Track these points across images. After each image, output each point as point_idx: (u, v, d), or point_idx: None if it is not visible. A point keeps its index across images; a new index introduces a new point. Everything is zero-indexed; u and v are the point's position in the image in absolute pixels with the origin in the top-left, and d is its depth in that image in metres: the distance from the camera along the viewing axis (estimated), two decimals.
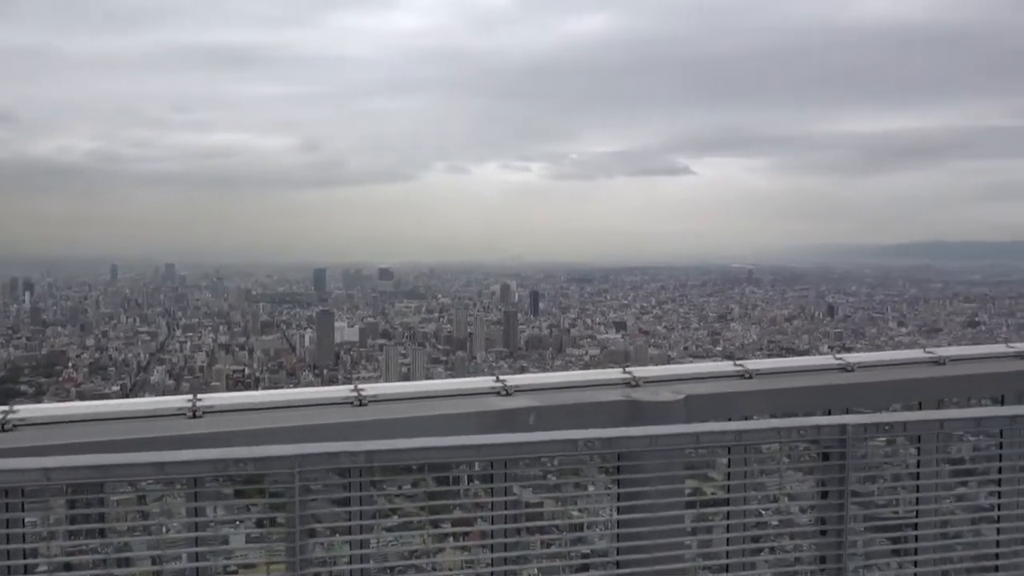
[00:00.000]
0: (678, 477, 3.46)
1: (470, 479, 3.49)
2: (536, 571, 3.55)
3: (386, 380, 39.66)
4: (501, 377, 3.83)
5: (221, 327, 56.08)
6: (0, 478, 2.69)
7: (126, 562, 2.92)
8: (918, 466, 3.65)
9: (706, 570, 3.72)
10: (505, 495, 3.14)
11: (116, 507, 3.12)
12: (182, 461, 2.78)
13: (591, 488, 3.53)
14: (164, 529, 3.12)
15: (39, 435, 3.16)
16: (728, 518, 3.45)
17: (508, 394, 3.71)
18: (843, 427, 3.29)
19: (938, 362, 4.54)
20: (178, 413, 3.35)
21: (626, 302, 63.16)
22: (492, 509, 3.15)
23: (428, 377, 42.11)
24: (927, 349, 4.69)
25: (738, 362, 4.27)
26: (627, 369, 4.05)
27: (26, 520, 2.80)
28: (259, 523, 3.10)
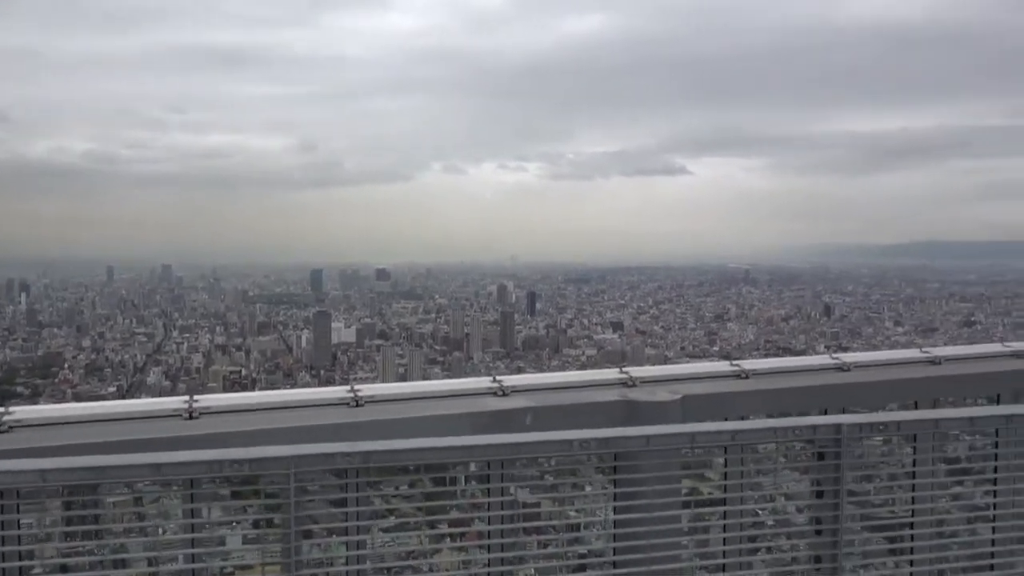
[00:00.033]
0: (674, 477, 3.46)
1: (467, 479, 3.50)
2: (533, 571, 3.55)
3: (383, 381, 39.60)
4: (498, 378, 3.84)
5: (218, 328, 55.95)
6: None
7: (122, 563, 2.91)
8: (914, 465, 3.65)
9: (703, 570, 3.72)
10: (502, 495, 3.14)
11: (112, 508, 3.11)
12: (178, 462, 2.78)
13: (588, 488, 3.53)
14: (161, 531, 3.11)
15: (35, 436, 3.15)
16: (725, 518, 3.45)
17: (505, 394, 3.71)
18: (838, 427, 3.29)
19: (934, 362, 4.55)
20: (174, 414, 3.34)
21: (623, 302, 63.18)
22: (489, 509, 3.15)
23: (425, 378, 42.09)
24: (923, 349, 4.71)
25: (734, 362, 4.28)
26: (624, 369, 4.06)
27: (22, 522, 2.79)
28: (255, 524, 3.10)
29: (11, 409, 3.26)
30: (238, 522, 3.11)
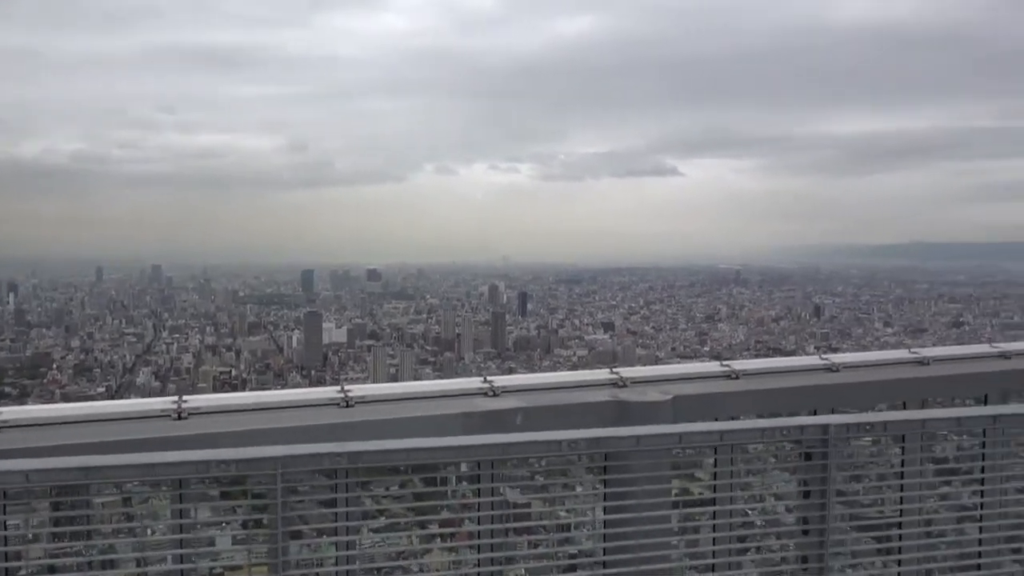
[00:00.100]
0: (664, 477, 3.47)
1: (458, 480, 3.49)
2: (523, 571, 3.55)
3: (374, 381, 39.55)
4: (489, 378, 3.83)
5: (208, 328, 55.77)
6: None
7: (111, 564, 2.90)
8: (903, 465, 3.67)
9: (692, 570, 3.73)
10: (492, 496, 3.14)
11: (101, 509, 3.09)
12: (165, 463, 2.76)
13: (578, 488, 3.53)
14: (149, 531, 3.10)
15: (23, 437, 3.13)
16: (714, 518, 3.46)
17: (495, 395, 3.71)
18: (825, 427, 3.31)
19: (923, 362, 4.58)
20: (163, 415, 3.33)
21: (614, 303, 63.27)
22: (479, 510, 3.14)
23: (416, 378, 42.03)
24: (912, 349, 4.73)
25: (725, 362, 4.29)
26: (615, 370, 4.06)
27: (8, 523, 2.78)
28: (244, 525, 3.09)
29: None
30: (227, 523, 3.10)
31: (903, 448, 3.68)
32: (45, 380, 43.88)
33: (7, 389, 41.73)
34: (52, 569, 2.91)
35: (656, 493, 3.34)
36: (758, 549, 3.51)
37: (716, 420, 3.82)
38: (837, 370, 4.35)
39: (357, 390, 3.61)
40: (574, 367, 42.92)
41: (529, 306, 60.86)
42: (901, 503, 3.55)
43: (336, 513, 3.00)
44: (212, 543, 3.10)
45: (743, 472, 3.49)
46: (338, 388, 3.61)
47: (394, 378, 45.58)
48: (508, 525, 3.22)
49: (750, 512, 3.60)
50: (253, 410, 3.50)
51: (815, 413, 4.08)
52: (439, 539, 3.40)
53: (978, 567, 3.63)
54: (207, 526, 2.97)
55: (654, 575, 3.27)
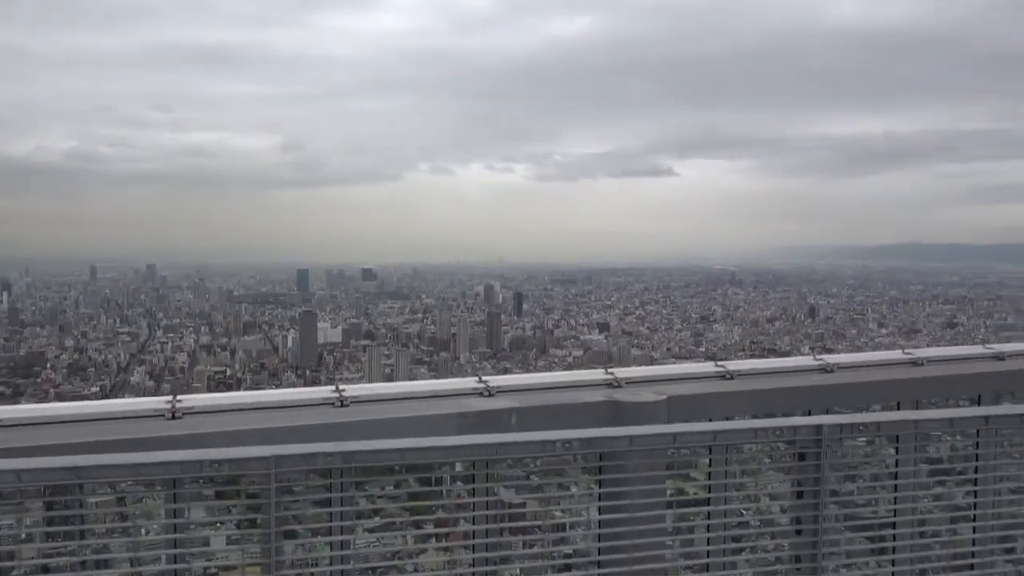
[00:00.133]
0: (659, 477, 3.47)
1: (452, 480, 3.49)
2: (518, 571, 3.55)
3: (369, 381, 39.53)
4: (484, 378, 3.83)
5: (202, 328, 55.65)
6: None
7: (104, 564, 2.89)
8: (896, 466, 3.68)
9: (687, 570, 3.73)
10: (487, 495, 3.14)
11: (95, 509, 3.09)
12: (157, 462, 2.75)
13: (573, 489, 3.53)
14: (144, 531, 3.09)
15: (16, 436, 3.12)
16: (709, 518, 3.46)
17: (490, 395, 3.71)
18: (819, 427, 3.31)
19: (916, 363, 4.59)
20: (157, 414, 3.32)
21: (609, 303, 63.35)
22: (474, 510, 3.14)
23: (411, 378, 42.01)
24: (906, 350, 4.73)
25: (720, 363, 4.29)
26: (609, 370, 4.06)
27: (0, 523, 2.77)
28: (239, 525, 3.08)
29: None
30: (221, 523, 3.09)
31: (897, 448, 3.69)
32: (39, 379, 43.75)
33: (1, 388, 41.58)
34: (45, 569, 2.89)
35: (651, 493, 3.35)
36: (752, 549, 3.52)
37: (711, 420, 3.83)
38: (832, 371, 4.36)
39: (352, 390, 3.61)
40: (569, 367, 42.92)
41: (525, 306, 60.89)
42: (895, 503, 3.56)
43: (331, 513, 2.99)
44: (207, 543, 3.09)
45: (738, 472, 3.50)
46: (333, 388, 3.60)
47: (389, 378, 45.56)
48: (503, 525, 3.22)
49: (744, 512, 3.60)
50: (248, 410, 3.49)
51: (809, 413, 4.08)
52: (434, 539, 3.40)
53: (971, 567, 3.64)
54: (201, 526, 2.97)
55: (649, 574, 3.27)
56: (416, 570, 3.50)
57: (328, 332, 53.48)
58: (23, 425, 3.22)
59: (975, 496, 3.66)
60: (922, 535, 3.60)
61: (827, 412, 4.05)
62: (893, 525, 3.50)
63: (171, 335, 53.08)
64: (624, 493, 3.19)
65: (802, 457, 3.35)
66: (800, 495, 3.39)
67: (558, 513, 3.65)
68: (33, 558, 2.93)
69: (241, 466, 2.84)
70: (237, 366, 48.87)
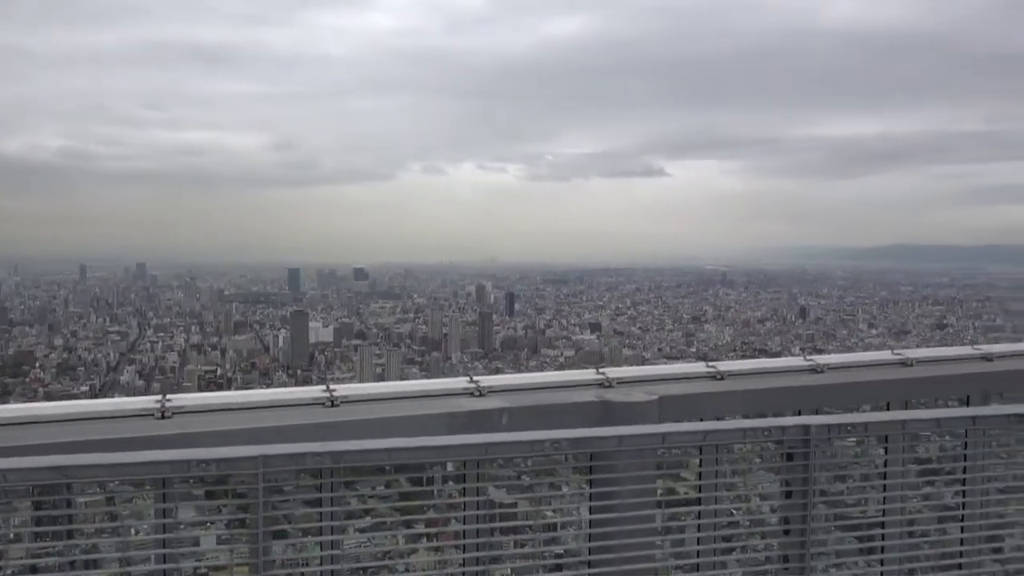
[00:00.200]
0: (649, 477, 3.48)
1: (443, 480, 3.49)
2: (509, 571, 3.55)
3: (360, 381, 39.47)
4: (475, 378, 3.83)
5: (193, 327, 55.47)
6: None
7: (93, 564, 2.88)
8: (885, 466, 3.70)
9: (677, 569, 3.74)
10: (477, 495, 3.14)
11: (83, 509, 3.07)
12: (144, 462, 2.74)
13: (564, 488, 3.53)
14: (133, 531, 3.08)
15: (4, 436, 3.10)
16: (699, 518, 3.47)
17: (481, 395, 3.71)
18: (807, 427, 3.32)
19: (906, 363, 4.61)
20: (146, 414, 3.30)
21: (601, 303, 63.44)
22: (464, 509, 3.14)
23: (402, 378, 41.98)
24: (895, 351, 4.75)
25: (711, 363, 4.30)
26: (600, 370, 4.06)
27: None
28: (229, 525, 3.07)
29: None
30: (212, 522, 3.08)
31: (886, 448, 3.71)
32: (28, 379, 43.52)
33: None
34: (34, 570, 2.88)
35: (641, 493, 3.35)
36: (743, 549, 3.53)
37: (702, 420, 3.83)
38: (822, 371, 4.38)
39: (342, 390, 3.60)
40: (561, 367, 42.97)
41: (516, 306, 60.93)
42: (884, 503, 3.58)
43: (321, 513, 2.99)
44: (196, 543, 3.08)
45: (728, 472, 3.51)
46: (323, 387, 3.59)
47: (380, 378, 45.52)
48: (494, 525, 3.22)
49: (735, 512, 3.62)
50: (238, 409, 3.48)
51: (799, 414, 4.10)
52: (424, 539, 3.39)
53: (959, 567, 3.66)
54: (190, 526, 2.96)
55: (639, 574, 3.28)
56: (407, 570, 3.49)
57: (319, 332, 53.39)
58: (11, 425, 3.20)
59: (963, 496, 3.68)
60: (911, 535, 3.62)
61: (817, 412, 4.06)
62: (882, 525, 3.52)
63: (161, 334, 52.90)
64: (615, 493, 3.19)
65: (790, 457, 3.36)
66: (788, 495, 3.40)
67: (549, 513, 3.65)
68: (21, 559, 2.91)
69: (229, 466, 2.83)
70: (228, 366, 48.72)
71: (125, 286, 63.60)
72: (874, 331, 54.80)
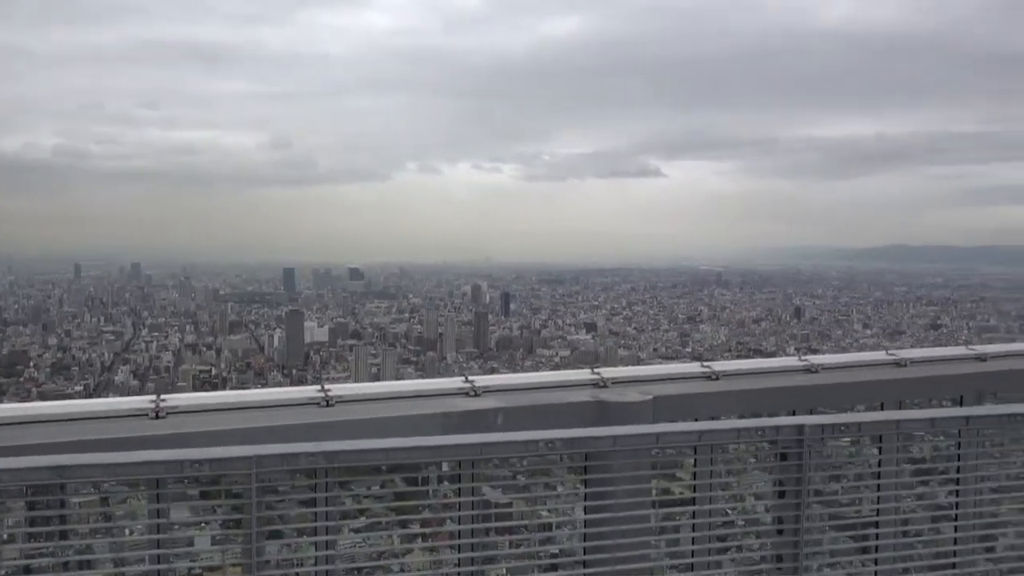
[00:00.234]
0: (644, 477, 3.48)
1: (439, 479, 3.49)
2: (504, 571, 3.55)
3: (356, 381, 39.38)
4: (470, 378, 3.83)
5: (188, 327, 55.34)
6: None
7: (87, 564, 2.87)
8: (879, 466, 3.71)
9: (672, 569, 3.74)
10: (472, 495, 3.14)
11: (77, 509, 3.06)
12: (137, 462, 2.74)
13: (559, 488, 3.54)
14: (127, 531, 3.07)
15: None
16: (694, 517, 3.48)
17: (476, 395, 3.71)
18: (801, 427, 3.33)
19: (900, 364, 4.62)
20: (140, 414, 3.29)
21: (597, 303, 63.46)
22: (459, 509, 3.14)
23: (398, 378, 41.93)
24: (890, 351, 4.77)
25: (706, 364, 4.31)
26: (596, 370, 4.07)
27: None
28: (223, 525, 3.07)
29: None
30: (206, 523, 3.08)
31: (880, 448, 3.72)
32: (21, 378, 43.37)
33: None
34: (28, 570, 2.87)
35: (636, 493, 3.36)
36: (738, 548, 3.54)
37: (696, 420, 3.84)
38: (816, 371, 4.39)
39: (337, 389, 3.60)
40: (556, 367, 42.97)
41: (512, 306, 60.92)
42: (878, 503, 3.59)
43: (315, 513, 2.98)
44: (191, 543, 3.08)
45: (723, 472, 3.51)
46: (318, 387, 3.59)
47: (376, 377, 45.46)
48: (489, 525, 3.22)
49: (729, 512, 3.62)
50: (233, 409, 3.47)
51: (794, 414, 4.10)
52: (420, 539, 3.39)
53: (953, 566, 3.67)
54: (184, 526, 2.95)
55: (634, 574, 3.28)
56: (402, 570, 3.49)
57: (315, 331, 53.30)
58: (5, 424, 3.19)
59: (957, 495, 3.69)
60: (904, 534, 3.63)
61: (812, 412, 4.07)
62: (876, 524, 3.53)
63: (156, 334, 52.76)
64: (610, 493, 3.20)
65: (784, 457, 3.37)
66: (783, 495, 3.41)
67: (544, 513, 3.65)
68: (15, 559, 2.90)
69: (222, 466, 2.82)
70: (223, 365, 48.62)
71: (120, 285, 63.46)
72: (868, 331, 54.92)
